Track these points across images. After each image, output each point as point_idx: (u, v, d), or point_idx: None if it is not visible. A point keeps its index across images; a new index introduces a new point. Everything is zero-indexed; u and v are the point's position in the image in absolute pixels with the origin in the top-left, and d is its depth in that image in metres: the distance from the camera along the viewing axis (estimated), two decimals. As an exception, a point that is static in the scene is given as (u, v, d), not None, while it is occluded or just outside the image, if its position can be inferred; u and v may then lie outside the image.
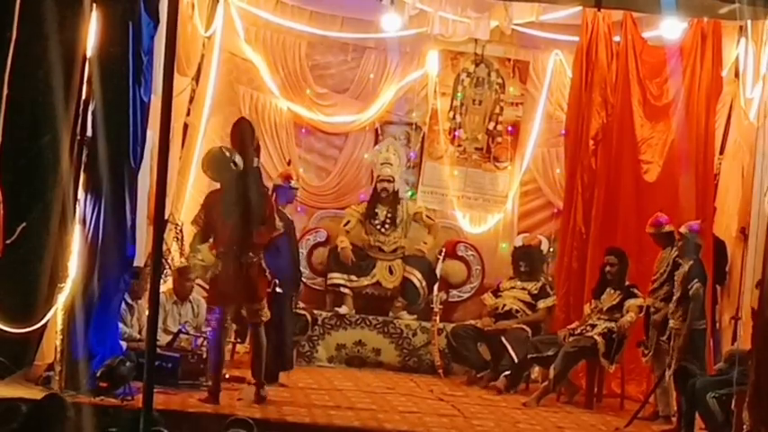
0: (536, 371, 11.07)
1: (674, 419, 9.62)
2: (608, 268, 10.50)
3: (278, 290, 9.53)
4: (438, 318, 11.67)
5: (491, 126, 12.78)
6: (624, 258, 10.48)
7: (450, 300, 12.19)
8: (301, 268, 11.26)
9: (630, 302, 10.33)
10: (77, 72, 8.57)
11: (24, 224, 8.17)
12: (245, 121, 9.65)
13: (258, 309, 9.13)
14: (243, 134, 9.15)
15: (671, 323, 9.59)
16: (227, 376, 9.96)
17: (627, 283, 10.47)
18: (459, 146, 12.78)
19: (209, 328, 9.21)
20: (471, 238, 12.65)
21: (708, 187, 11.09)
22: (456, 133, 12.74)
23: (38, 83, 8.28)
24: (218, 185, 9.16)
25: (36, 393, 7.45)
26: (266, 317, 9.17)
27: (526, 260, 11.67)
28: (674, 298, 9.58)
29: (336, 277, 11.87)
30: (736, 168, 11.24)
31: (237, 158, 8.90)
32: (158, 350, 8.90)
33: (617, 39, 11.34)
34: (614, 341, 10.27)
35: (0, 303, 8.11)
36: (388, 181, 12.04)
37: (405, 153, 12.50)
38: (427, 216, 12.24)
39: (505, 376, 10.81)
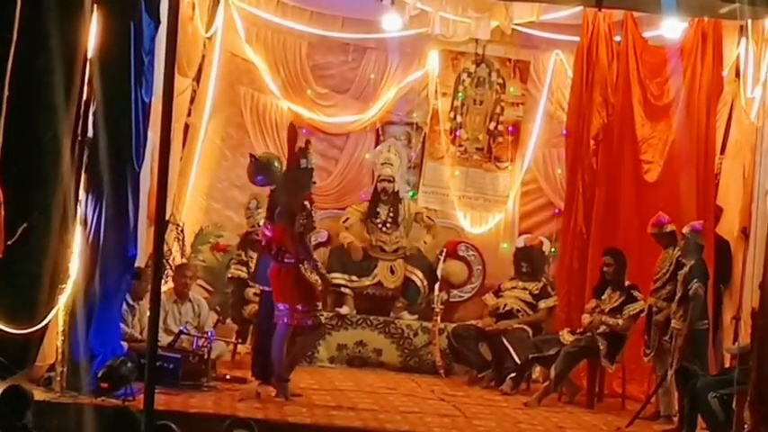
0: (537, 371, 11.06)
1: (675, 419, 9.62)
2: (605, 269, 10.48)
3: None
4: (439, 318, 11.66)
5: (492, 126, 12.78)
6: (621, 258, 10.46)
7: (451, 300, 12.17)
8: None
9: (630, 308, 10.30)
10: (78, 73, 8.58)
11: (25, 225, 8.17)
12: (289, 126, 10.31)
13: (306, 311, 9.27)
14: (288, 139, 9.71)
15: (673, 323, 9.59)
16: (227, 377, 9.98)
17: (627, 283, 10.44)
18: (460, 146, 12.77)
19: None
20: (472, 238, 12.65)
21: (708, 187, 11.09)
22: (457, 133, 12.74)
23: (39, 84, 8.28)
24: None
25: (37, 394, 7.45)
26: (318, 323, 9.39)
27: (527, 260, 11.67)
28: (676, 298, 9.58)
29: (338, 277, 11.85)
30: (737, 168, 11.24)
31: (276, 163, 9.58)
32: (159, 351, 8.90)
33: (617, 38, 11.33)
34: (614, 341, 10.29)
35: (1, 304, 8.11)
36: (389, 181, 12.03)
37: (406, 153, 12.50)
38: (427, 216, 12.27)
39: (511, 378, 10.80)
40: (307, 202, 9.39)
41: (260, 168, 9.70)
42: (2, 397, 6.33)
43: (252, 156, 10.03)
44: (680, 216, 10.22)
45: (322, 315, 9.56)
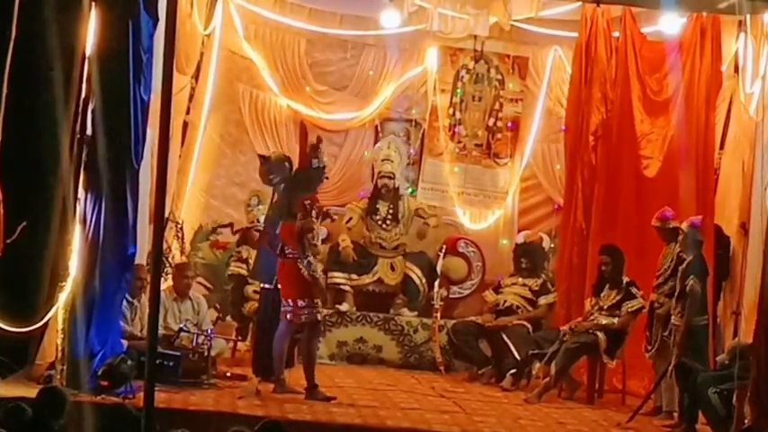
0: (537, 367, 11.05)
1: (676, 415, 9.61)
2: (603, 267, 10.47)
3: (279, 286, 9.58)
4: (439, 314, 11.67)
5: (491, 122, 12.77)
6: (617, 255, 10.44)
7: (450, 296, 12.18)
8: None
9: (628, 304, 10.29)
10: (77, 71, 8.58)
11: (25, 223, 8.17)
12: (300, 124, 10.77)
13: (304, 307, 9.31)
14: (300, 138, 9.73)
15: (672, 319, 9.59)
16: (228, 374, 9.98)
17: (625, 279, 10.42)
18: (459, 142, 12.76)
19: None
20: (472, 234, 12.64)
21: (708, 182, 11.08)
22: (456, 130, 12.73)
23: (38, 82, 8.28)
24: None
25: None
26: (314, 320, 9.39)
27: (527, 257, 11.66)
28: (675, 294, 9.58)
29: (337, 276, 11.85)
30: (736, 163, 11.24)
31: (287, 162, 9.74)
32: (159, 348, 8.91)
33: (616, 34, 11.33)
34: (614, 337, 10.29)
35: (1, 302, 8.11)
36: (389, 177, 12.03)
37: (405, 150, 12.50)
38: (429, 207, 12.25)
39: (511, 374, 10.80)
40: (308, 202, 9.42)
41: (273, 168, 9.76)
42: (39, 399, 6.35)
43: (262, 156, 10.09)
44: (679, 211, 10.22)
45: (319, 312, 9.56)
